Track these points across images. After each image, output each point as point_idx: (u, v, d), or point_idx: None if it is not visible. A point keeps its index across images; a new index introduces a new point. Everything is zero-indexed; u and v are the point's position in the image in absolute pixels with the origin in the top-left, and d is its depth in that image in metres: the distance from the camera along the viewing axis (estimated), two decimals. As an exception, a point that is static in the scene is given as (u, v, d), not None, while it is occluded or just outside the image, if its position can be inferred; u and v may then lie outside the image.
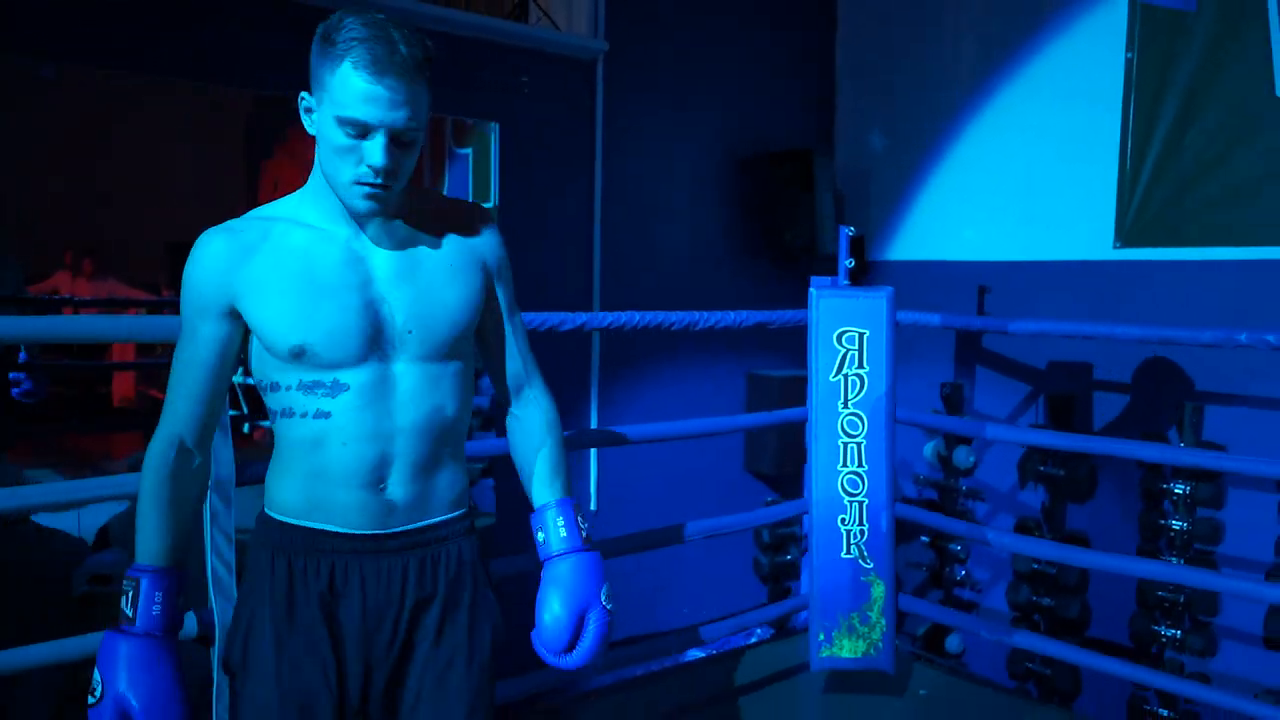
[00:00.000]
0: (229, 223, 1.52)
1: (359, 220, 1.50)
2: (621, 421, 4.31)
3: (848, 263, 3.33)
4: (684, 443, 4.22)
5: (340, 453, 1.48)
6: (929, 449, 4.41)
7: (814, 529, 3.10)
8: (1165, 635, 3.70)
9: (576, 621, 1.52)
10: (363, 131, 1.40)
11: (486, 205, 4.05)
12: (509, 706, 2.68)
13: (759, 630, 4.23)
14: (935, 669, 3.51)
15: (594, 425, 4.31)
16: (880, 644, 3.07)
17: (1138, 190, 3.85)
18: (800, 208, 4.57)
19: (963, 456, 4.29)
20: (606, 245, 4.32)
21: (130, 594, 1.42)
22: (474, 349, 1.65)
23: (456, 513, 1.60)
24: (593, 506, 4.30)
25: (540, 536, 1.61)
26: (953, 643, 4.36)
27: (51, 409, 6.23)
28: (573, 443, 3.07)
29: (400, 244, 1.53)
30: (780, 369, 4.71)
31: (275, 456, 1.55)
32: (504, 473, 3.93)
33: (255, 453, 2.17)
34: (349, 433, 1.48)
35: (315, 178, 1.52)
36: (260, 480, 1.62)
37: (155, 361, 6.99)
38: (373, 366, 1.48)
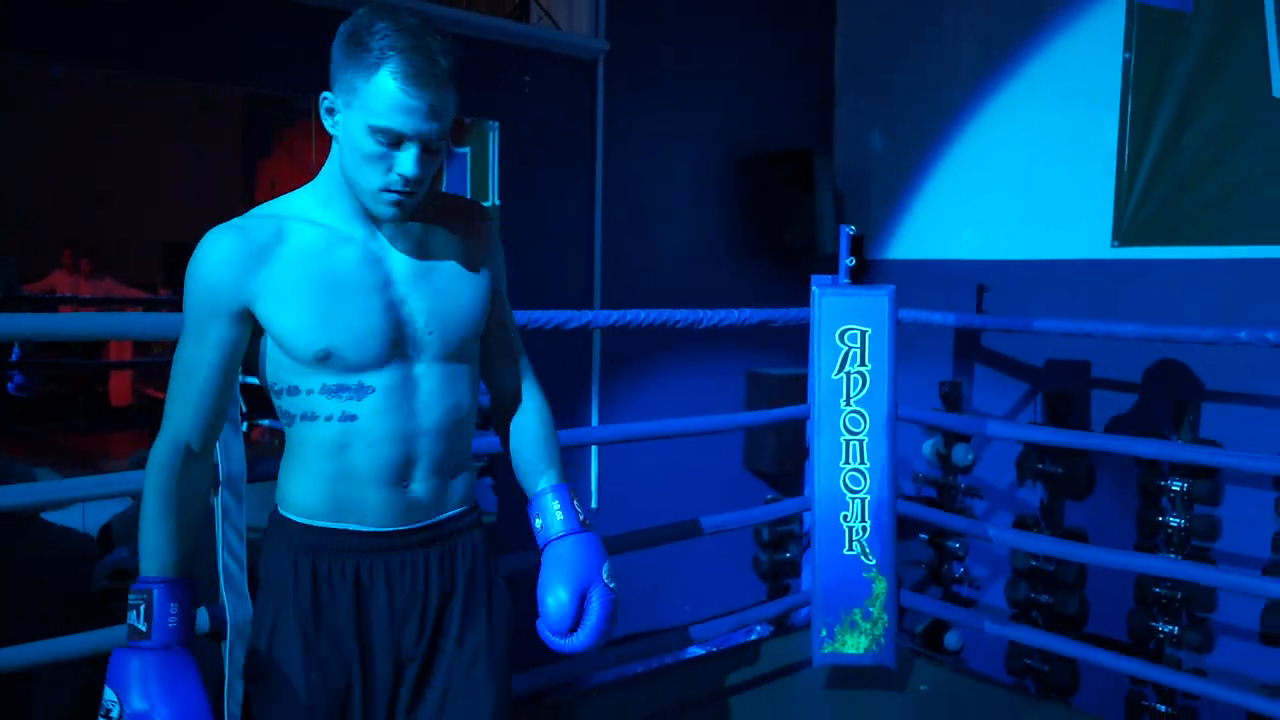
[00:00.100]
0: (238, 221, 1.47)
1: (375, 221, 1.49)
2: (622, 420, 4.33)
3: (849, 261, 3.35)
4: (684, 441, 4.24)
5: (366, 454, 1.47)
6: (928, 447, 4.43)
7: (816, 525, 3.13)
8: (1163, 631, 3.73)
9: (579, 601, 1.50)
10: (396, 141, 1.38)
11: (484, 204, 4.06)
12: (513, 702, 2.70)
13: (758, 628, 4.25)
14: (936, 665, 3.53)
15: (595, 424, 4.33)
16: (882, 640, 3.09)
17: (1135, 189, 3.87)
18: (800, 207, 4.59)
19: (961, 454, 4.31)
20: (607, 245, 4.34)
21: (142, 607, 1.37)
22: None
23: (467, 506, 1.62)
24: (594, 504, 4.32)
25: (538, 523, 1.60)
26: (951, 639, 4.39)
27: (49, 409, 6.24)
28: (574, 441, 3.09)
29: (415, 244, 1.52)
30: (780, 367, 4.73)
31: (292, 459, 1.52)
32: (504, 471, 3.95)
33: (254, 451, 2.18)
34: (375, 434, 1.47)
35: (328, 177, 1.49)
36: (268, 478, 1.62)
37: (152, 360, 7.01)
38: (396, 368, 1.48)
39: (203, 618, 2.08)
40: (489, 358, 1.69)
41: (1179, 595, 3.71)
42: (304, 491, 1.50)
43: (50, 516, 2.76)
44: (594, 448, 4.32)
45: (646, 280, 4.44)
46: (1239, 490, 3.64)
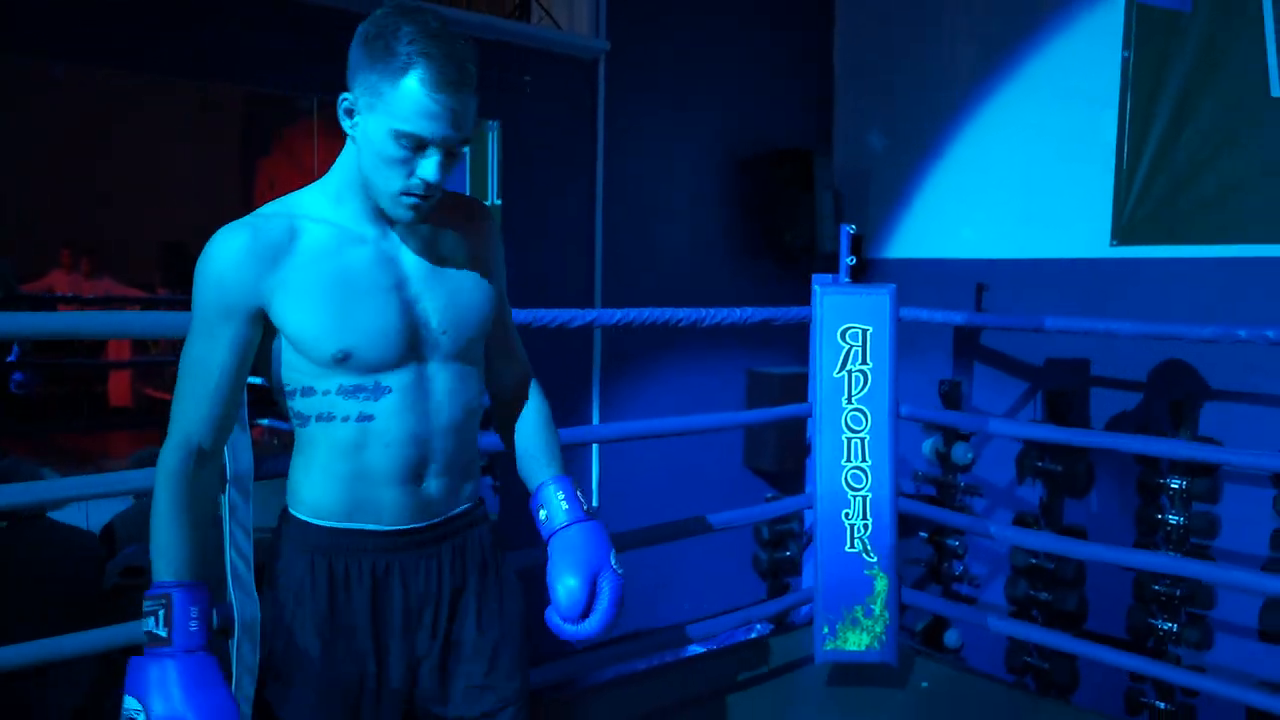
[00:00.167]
0: (249, 219, 1.45)
1: (387, 221, 1.49)
2: (623, 419, 4.34)
3: (849, 260, 3.37)
4: (685, 440, 4.25)
5: (383, 454, 1.48)
6: (927, 446, 4.45)
7: (818, 523, 3.14)
8: (1162, 629, 3.75)
9: (590, 586, 1.50)
10: (419, 146, 1.39)
11: (485, 203, 4.07)
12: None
13: (758, 626, 4.26)
14: (937, 662, 3.54)
15: (596, 423, 4.34)
16: (884, 637, 3.10)
17: (1134, 188, 3.89)
18: (800, 207, 4.61)
19: (961, 453, 4.33)
20: (607, 245, 4.35)
21: (161, 613, 1.35)
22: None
23: (473, 501, 1.64)
24: (595, 503, 4.33)
25: (542, 514, 1.60)
26: (951, 638, 4.40)
27: (49, 408, 6.24)
28: (574, 439, 3.10)
29: (426, 244, 1.53)
30: (780, 366, 4.74)
31: (306, 460, 1.51)
32: (505, 471, 3.97)
33: (256, 450, 2.17)
34: (392, 434, 1.48)
35: (340, 175, 1.48)
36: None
37: (152, 360, 7.00)
38: (411, 368, 1.49)
39: (210, 615, 2.08)
40: (490, 356, 1.69)
41: (1178, 593, 3.72)
42: (319, 492, 1.50)
43: (52, 516, 2.78)
44: (595, 447, 4.34)
45: (647, 280, 4.46)
46: (1238, 488, 3.66)
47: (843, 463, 3.10)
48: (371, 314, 1.45)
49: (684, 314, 2.93)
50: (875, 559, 3.10)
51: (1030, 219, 4.30)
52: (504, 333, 1.72)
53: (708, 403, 4.56)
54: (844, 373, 3.09)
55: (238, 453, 2.08)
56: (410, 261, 1.51)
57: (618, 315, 2.81)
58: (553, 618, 1.52)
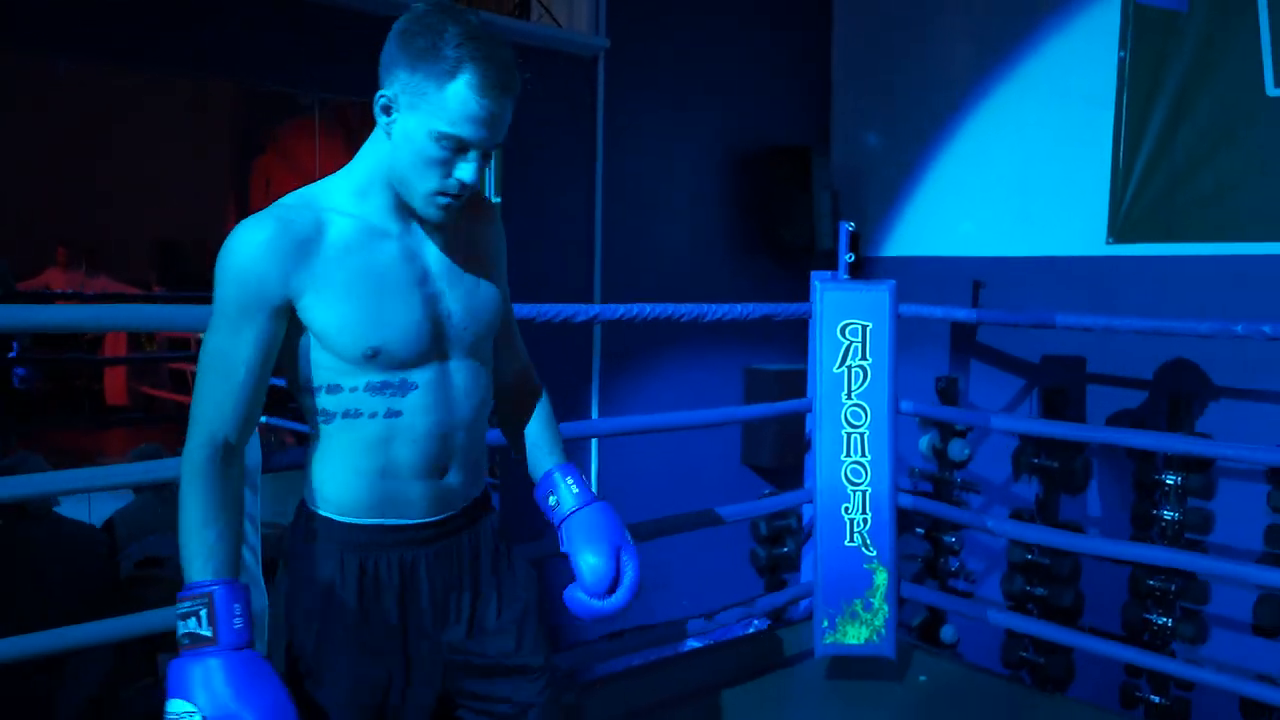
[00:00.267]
0: (274, 211, 1.42)
1: (412, 217, 1.49)
2: (622, 415, 4.35)
3: (848, 257, 3.39)
4: (683, 437, 4.27)
5: (409, 449, 1.48)
6: (924, 442, 4.47)
7: (818, 517, 3.16)
8: (1157, 623, 3.78)
9: (615, 562, 1.55)
10: (461, 148, 1.39)
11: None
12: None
13: (755, 622, 4.28)
14: (935, 656, 3.57)
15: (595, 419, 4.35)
16: (883, 630, 3.13)
17: (1130, 187, 3.92)
18: (798, 205, 4.63)
19: (958, 450, 4.35)
20: (606, 242, 4.36)
21: (203, 612, 1.31)
22: None
23: (481, 490, 1.66)
24: (594, 499, 4.34)
25: (552, 500, 1.63)
26: (947, 633, 4.43)
27: (45, 406, 6.25)
28: (574, 433, 3.11)
29: (445, 240, 1.53)
30: (777, 363, 4.76)
31: (330, 456, 1.50)
32: (503, 468, 3.98)
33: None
34: (418, 430, 1.48)
35: (365, 169, 1.48)
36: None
37: (148, 356, 7.01)
38: (435, 364, 1.49)
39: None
40: (495, 350, 1.70)
41: (1173, 588, 3.75)
42: (346, 489, 1.49)
43: (64, 509, 2.79)
44: (594, 444, 4.35)
45: (645, 277, 4.47)
46: (1232, 484, 3.69)
47: (842, 458, 3.12)
48: (401, 310, 1.45)
49: (686, 309, 2.95)
50: (874, 553, 3.12)
51: (1027, 217, 4.33)
52: (508, 328, 1.74)
53: (706, 400, 4.58)
54: (844, 368, 3.11)
55: (248, 446, 2.09)
56: (432, 258, 1.51)
57: (620, 310, 2.83)
58: (576, 595, 1.56)
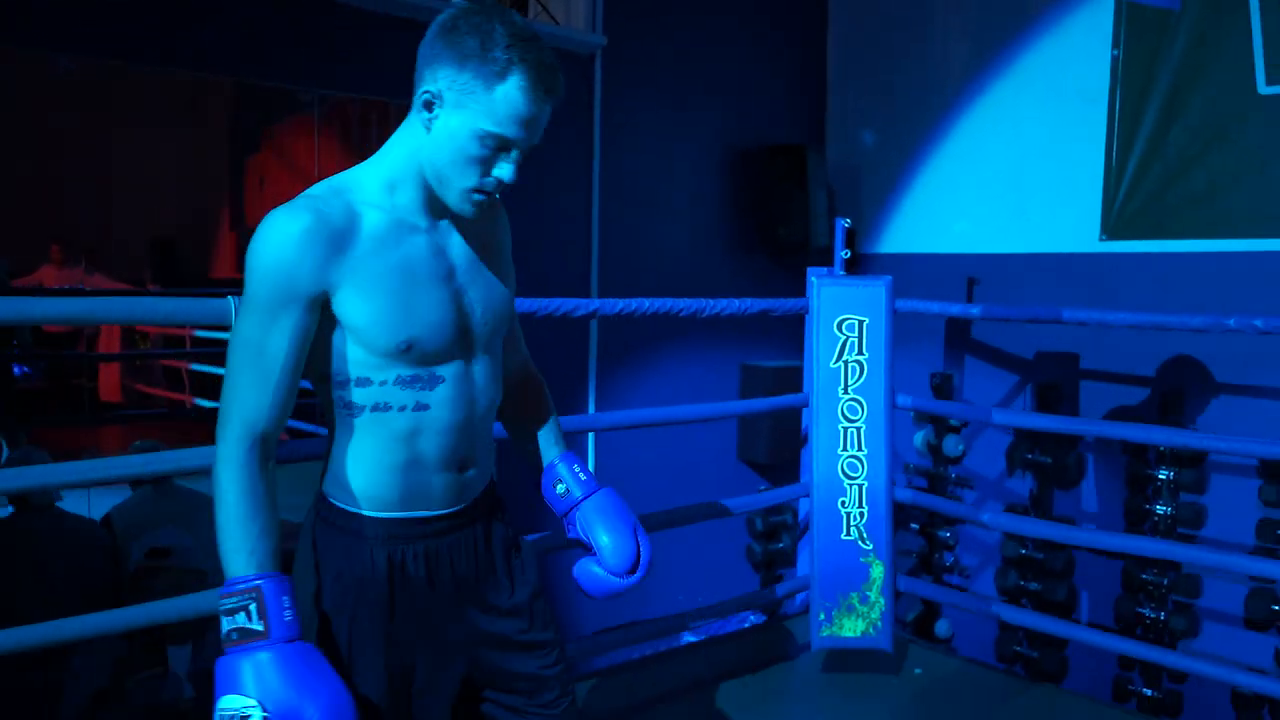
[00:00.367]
0: (307, 202, 1.41)
1: (441, 212, 1.50)
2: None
3: (844, 254, 3.41)
4: (679, 433, 4.28)
5: (434, 442, 1.50)
6: (919, 438, 4.50)
7: (814, 511, 3.18)
8: (1149, 617, 3.81)
9: (634, 539, 1.66)
10: (503, 147, 1.41)
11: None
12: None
13: (752, 616, 4.30)
14: (930, 650, 3.59)
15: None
16: (879, 623, 3.15)
17: (1123, 184, 3.95)
18: (793, 203, 4.66)
19: (952, 445, 4.38)
20: (604, 239, 4.38)
21: (252, 606, 1.31)
22: None
23: (490, 479, 1.69)
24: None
25: (560, 488, 1.72)
26: (942, 628, 4.45)
27: (41, 403, 6.24)
28: (571, 427, 3.12)
29: (466, 236, 1.55)
30: (772, 360, 4.78)
31: (353, 450, 1.50)
32: (503, 466, 3.98)
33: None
34: (443, 423, 1.50)
35: (396, 162, 1.48)
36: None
37: (143, 353, 6.99)
38: (460, 358, 1.52)
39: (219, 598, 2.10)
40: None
41: (1165, 581, 3.79)
42: (373, 482, 1.50)
43: (66, 505, 2.80)
44: (591, 439, 4.37)
45: (643, 274, 4.49)
46: (1224, 478, 3.73)
47: (839, 452, 3.14)
48: (431, 305, 1.46)
49: (683, 304, 2.96)
50: (871, 546, 3.14)
51: (1021, 214, 4.36)
52: (513, 322, 1.77)
53: (702, 396, 4.60)
54: (840, 363, 3.13)
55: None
56: (457, 253, 1.53)
57: (619, 305, 2.84)
58: (593, 571, 1.66)
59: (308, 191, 1.45)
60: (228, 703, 1.28)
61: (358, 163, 1.52)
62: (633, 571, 1.65)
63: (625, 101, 4.38)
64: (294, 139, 6.56)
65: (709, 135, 4.72)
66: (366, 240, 1.42)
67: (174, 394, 6.81)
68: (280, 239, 1.38)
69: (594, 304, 2.79)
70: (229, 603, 1.32)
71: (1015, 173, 4.37)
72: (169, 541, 2.75)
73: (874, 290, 3.13)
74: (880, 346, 3.12)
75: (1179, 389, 3.79)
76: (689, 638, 3.73)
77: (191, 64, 3.48)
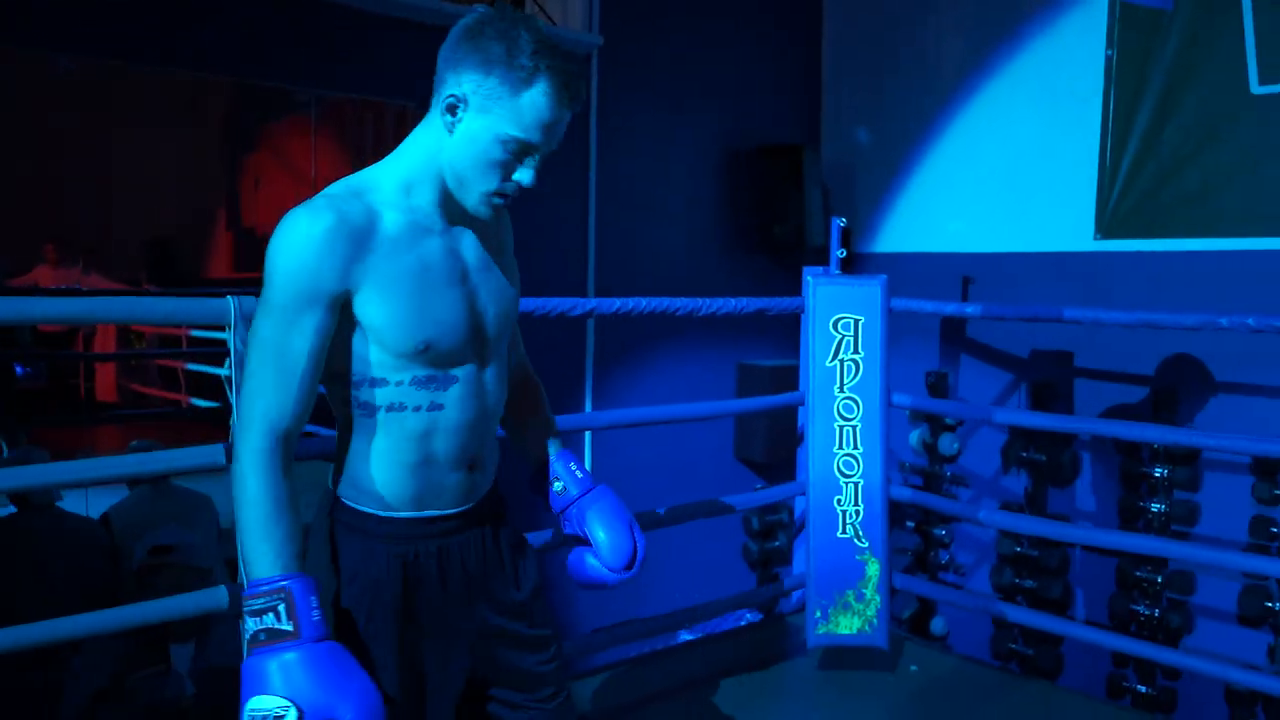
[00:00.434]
0: (327, 201, 1.41)
1: (456, 215, 1.51)
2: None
3: (840, 253, 3.43)
4: (676, 432, 4.30)
5: (448, 442, 1.52)
6: (914, 437, 4.51)
7: (810, 510, 3.20)
8: (1144, 614, 3.83)
9: (631, 535, 1.70)
10: (526, 152, 1.43)
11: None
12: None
13: (748, 614, 4.31)
14: (926, 647, 3.61)
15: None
16: (875, 621, 3.17)
17: (1117, 183, 3.97)
18: (789, 202, 4.67)
19: (947, 444, 4.39)
20: (600, 240, 4.39)
21: (281, 606, 1.30)
22: None
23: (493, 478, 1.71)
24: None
25: (558, 486, 1.76)
26: (937, 625, 4.47)
27: (40, 403, 6.24)
28: (567, 426, 3.14)
29: (478, 238, 1.56)
30: (769, 359, 4.80)
31: (367, 450, 1.50)
32: (504, 467, 3.98)
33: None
34: (456, 423, 1.51)
35: (413, 163, 1.49)
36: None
37: (140, 353, 6.99)
38: (473, 359, 1.53)
39: (222, 596, 2.12)
40: None
41: (1159, 579, 3.81)
42: (389, 483, 1.51)
43: (66, 505, 2.81)
44: (588, 438, 4.38)
45: (639, 274, 4.50)
46: (1218, 476, 3.75)
47: (835, 450, 3.16)
48: (447, 307, 1.47)
49: (680, 303, 2.98)
50: (866, 544, 3.16)
51: (1015, 213, 4.38)
52: (514, 322, 1.79)
53: (699, 395, 4.61)
54: (836, 362, 3.15)
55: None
56: (470, 255, 1.54)
57: (616, 304, 2.86)
58: (590, 563, 1.70)
59: (326, 191, 1.45)
60: (259, 703, 1.28)
61: (354, 162, 1.53)
62: (629, 567, 1.69)
63: (622, 101, 4.39)
64: (290, 139, 6.57)
65: (705, 134, 4.74)
66: (385, 241, 1.43)
67: (170, 394, 6.83)
68: (303, 239, 1.38)
69: (591, 303, 2.81)
70: (256, 603, 1.32)
71: (1010, 172, 4.39)
72: (171, 539, 2.76)
73: (869, 289, 3.15)
74: (876, 345, 3.14)
75: (1173, 387, 3.81)
76: (685, 636, 3.74)
77: (191, 64, 3.48)
